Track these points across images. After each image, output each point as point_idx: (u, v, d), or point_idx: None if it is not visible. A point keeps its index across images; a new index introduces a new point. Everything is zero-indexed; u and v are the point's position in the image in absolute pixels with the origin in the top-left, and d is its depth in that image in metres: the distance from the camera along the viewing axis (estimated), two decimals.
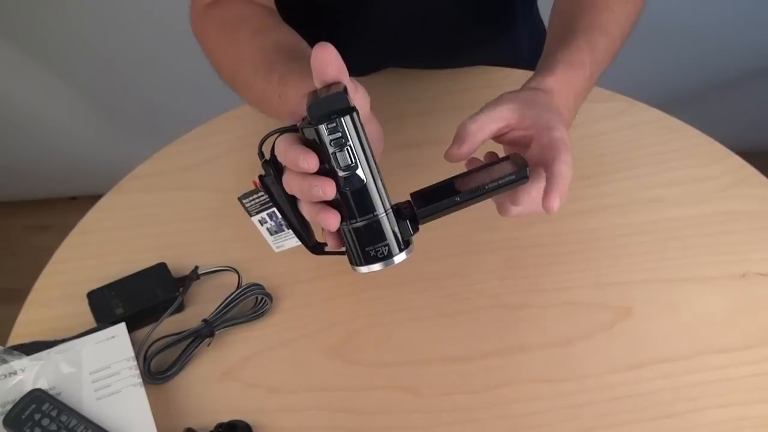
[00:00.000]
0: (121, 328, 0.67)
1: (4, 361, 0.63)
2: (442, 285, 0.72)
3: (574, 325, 0.69)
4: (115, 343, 0.66)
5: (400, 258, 0.54)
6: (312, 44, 0.49)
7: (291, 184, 0.52)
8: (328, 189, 0.50)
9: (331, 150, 0.49)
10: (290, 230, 0.56)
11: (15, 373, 0.63)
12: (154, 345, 0.66)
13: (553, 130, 0.57)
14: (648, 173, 0.80)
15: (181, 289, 0.70)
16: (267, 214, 0.68)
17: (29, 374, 0.63)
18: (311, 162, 0.49)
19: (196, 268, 0.72)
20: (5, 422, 0.60)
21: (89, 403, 0.62)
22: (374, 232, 0.52)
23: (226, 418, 0.63)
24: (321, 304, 0.72)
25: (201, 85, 1.49)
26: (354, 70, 0.52)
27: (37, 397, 0.61)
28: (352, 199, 0.51)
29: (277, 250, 0.69)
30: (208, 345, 0.68)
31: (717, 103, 1.58)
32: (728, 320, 0.69)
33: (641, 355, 0.67)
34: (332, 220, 0.51)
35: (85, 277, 0.72)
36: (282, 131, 0.51)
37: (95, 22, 1.38)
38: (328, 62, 0.48)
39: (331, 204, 0.52)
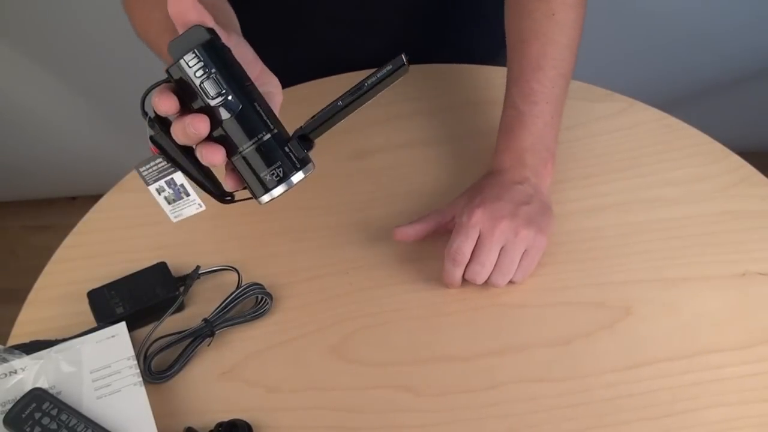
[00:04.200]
0: (122, 327, 0.67)
1: (5, 360, 0.64)
2: (441, 284, 0.72)
3: (574, 325, 0.69)
4: (116, 342, 0.66)
5: (298, 177, 0.53)
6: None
7: (176, 132, 0.51)
8: (198, 124, 0.49)
9: (198, 82, 0.49)
10: (188, 196, 0.56)
11: (15, 372, 0.63)
12: (155, 344, 0.66)
13: (457, 217, 0.70)
14: (648, 173, 0.80)
15: (182, 289, 0.71)
16: (165, 181, 0.66)
17: (29, 373, 0.63)
18: (164, 100, 0.49)
19: (198, 267, 0.72)
20: (5, 421, 0.60)
21: (89, 402, 0.62)
22: (265, 154, 0.52)
23: (226, 418, 0.63)
24: (321, 303, 0.72)
25: None
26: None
27: (37, 396, 0.61)
28: (234, 126, 0.50)
29: (175, 221, 0.65)
30: (209, 345, 0.68)
31: (717, 103, 1.57)
32: (727, 320, 0.69)
33: (640, 354, 0.67)
34: (215, 153, 0.51)
35: (85, 277, 0.72)
36: (155, 85, 0.51)
37: (95, 21, 1.38)
38: (186, 8, 0.48)
39: (218, 141, 0.51)
